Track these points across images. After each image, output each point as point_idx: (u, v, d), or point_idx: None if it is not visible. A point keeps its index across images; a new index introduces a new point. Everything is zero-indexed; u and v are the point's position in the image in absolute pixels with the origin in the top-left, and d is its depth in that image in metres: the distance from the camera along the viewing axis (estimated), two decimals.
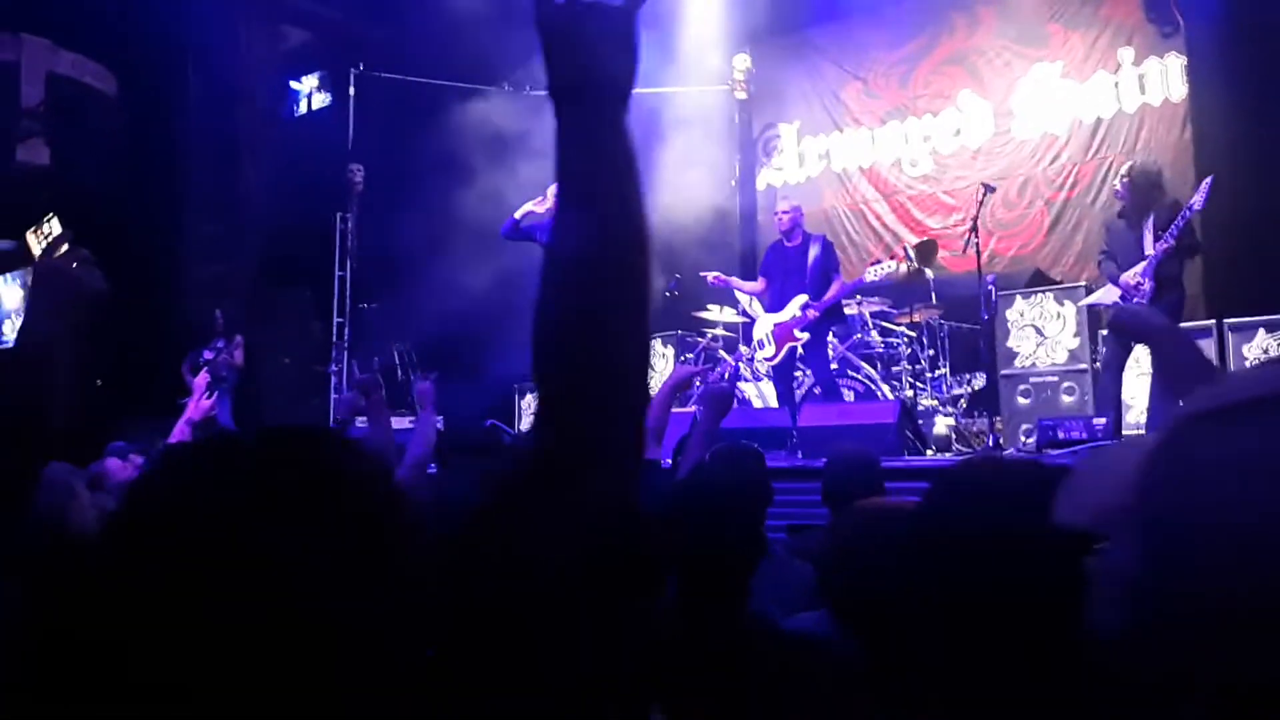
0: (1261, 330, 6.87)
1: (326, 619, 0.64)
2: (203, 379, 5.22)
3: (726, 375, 8.50)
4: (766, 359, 7.29)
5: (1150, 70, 9.06)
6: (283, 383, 10.21)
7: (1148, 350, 5.65)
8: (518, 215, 7.39)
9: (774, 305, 7.27)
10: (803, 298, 7.02)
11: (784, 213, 7.39)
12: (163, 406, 8.88)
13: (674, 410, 4.03)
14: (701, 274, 8.01)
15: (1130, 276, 5.77)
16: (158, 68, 10.21)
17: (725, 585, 2.01)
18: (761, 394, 8.36)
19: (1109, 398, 5.90)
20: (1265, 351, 6.85)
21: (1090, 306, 7.26)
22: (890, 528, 2.25)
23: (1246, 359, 6.81)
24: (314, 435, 0.75)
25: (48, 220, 1.85)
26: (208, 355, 8.98)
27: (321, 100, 11.54)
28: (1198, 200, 5.57)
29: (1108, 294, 5.97)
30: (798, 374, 7.43)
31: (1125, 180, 6.01)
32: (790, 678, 1.83)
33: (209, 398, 5.29)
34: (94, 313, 1.74)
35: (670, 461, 3.62)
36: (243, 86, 10.72)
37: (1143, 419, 7.12)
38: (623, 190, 0.93)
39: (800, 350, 7.03)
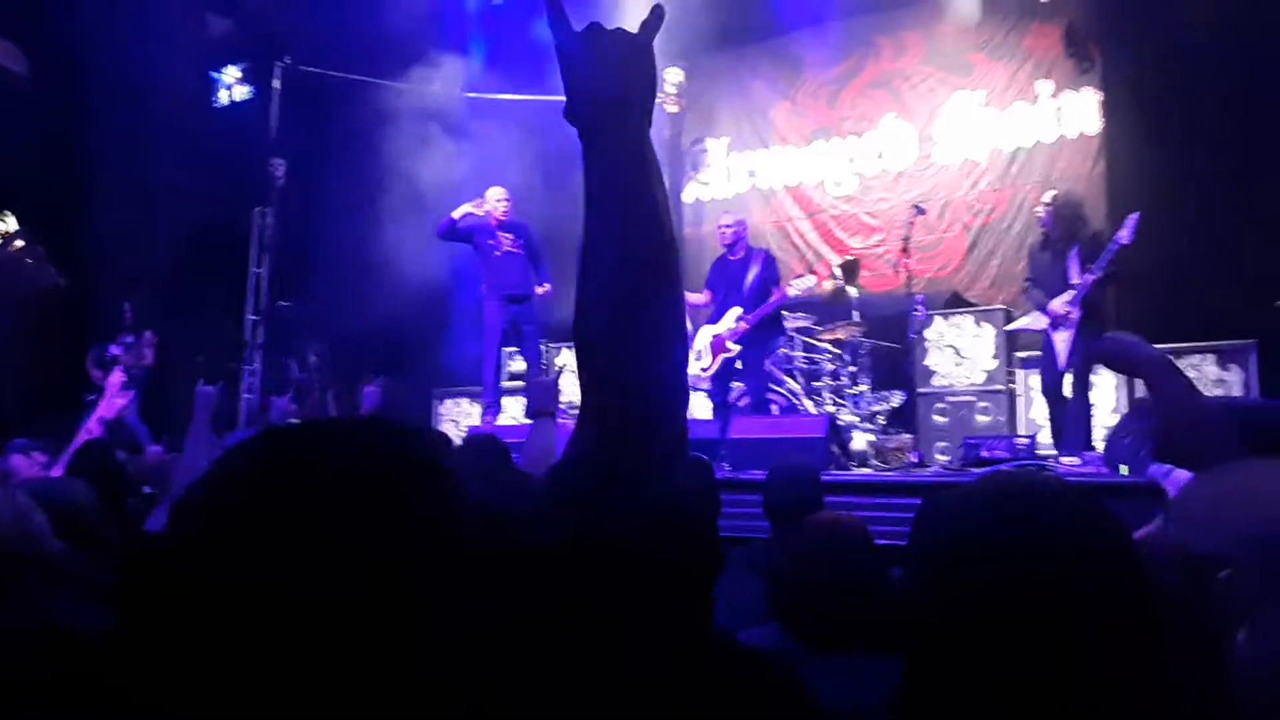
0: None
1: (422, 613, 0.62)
2: (116, 378, 5.03)
3: None
4: (703, 369, 7.34)
5: (1067, 103, 9.39)
6: (193, 380, 9.88)
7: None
8: (455, 215, 7.32)
9: (715, 318, 7.38)
10: (737, 310, 7.15)
11: (727, 227, 7.49)
12: (67, 401, 8.55)
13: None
14: None
15: (1059, 305, 5.93)
16: (73, 50, 9.83)
17: (689, 598, 1.99)
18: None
19: (1055, 420, 6.07)
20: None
21: (1013, 331, 7.47)
22: (845, 543, 2.28)
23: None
24: (383, 425, 0.71)
25: (2, 216, 1.76)
26: (115, 350, 8.65)
27: (243, 92, 11.25)
28: (1124, 235, 5.74)
29: (1035, 321, 6.15)
30: (732, 389, 7.51)
31: (1049, 209, 6.18)
32: (751, 694, 1.82)
33: (121, 396, 5.10)
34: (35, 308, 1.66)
35: None
36: (161, 74, 10.38)
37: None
38: (649, 203, 0.96)
39: (739, 364, 7.15)
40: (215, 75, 11.48)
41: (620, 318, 0.88)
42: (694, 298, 7.65)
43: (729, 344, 7.16)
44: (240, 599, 0.58)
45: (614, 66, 0.97)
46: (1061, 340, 6.03)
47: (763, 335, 7.30)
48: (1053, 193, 6.41)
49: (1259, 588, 0.64)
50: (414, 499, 0.63)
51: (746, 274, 7.27)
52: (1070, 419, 5.86)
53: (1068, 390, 5.97)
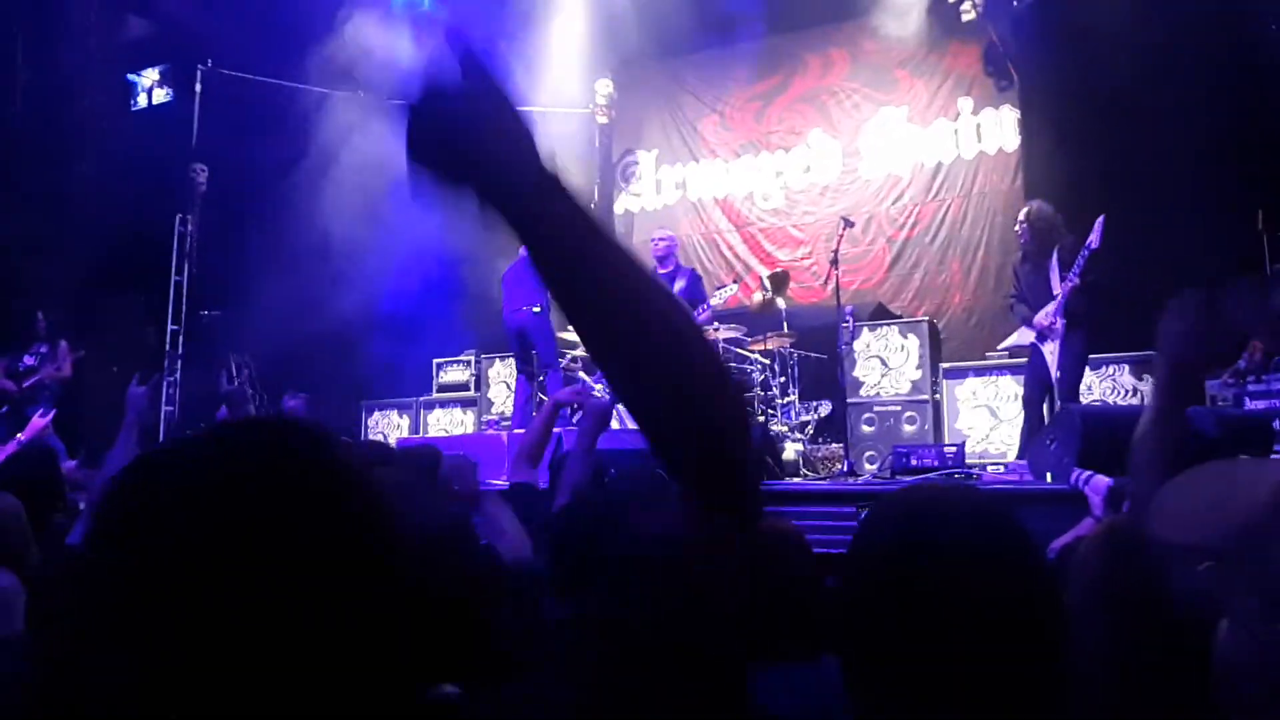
0: (1085, 368, 7.37)
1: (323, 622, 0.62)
2: (37, 423, 4.88)
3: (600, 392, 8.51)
4: None
5: (987, 120, 9.65)
6: (109, 392, 9.59)
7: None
8: None
9: None
10: None
11: (659, 240, 7.58)
12: None
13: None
14: None
15: (1043, 317, 6.01)
16: None
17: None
18: (620, 415, 8.41)
19: (1031, 433, 6.16)
20: (1088, 389, 7.35)
21: (939, 342, 7.59)
22: (785, 551, 2.30)
23: None
24: (297, 429, 0.72)
25: None
26: (29, 361, 8.35)
27: (163, 96, 10.97)
28: (1094, 239, 5.81)
29: (1023, 335, 6.23)
30: None
31: (1024, 224, 6.24)
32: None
33: (42, 416, 4.94)
34: None
35: (549, 483, 3.59)
36: (76, 75, 10.09)
37: (982, 448, 7.54)
38: (603, 276, 0.87)
39: None
40: (134, 78, 11.17)
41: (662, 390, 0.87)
42: None
43: None
44: (140, 610, 0.59)
45: (471, 135, 0.88)
46: (1049, 352, 6.10)
47: None
48: (1026, 208, 6.41)
49: (1237, 578, 0.68)
50: (307, 507, 0.65)
51: (673, 290, 7.37)
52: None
53: (1011, 400, 6.06)
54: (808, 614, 2.10)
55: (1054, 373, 6.05)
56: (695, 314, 7.29)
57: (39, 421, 4.33)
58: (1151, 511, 0.77)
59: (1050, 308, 6.01)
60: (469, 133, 0.85)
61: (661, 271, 7.56)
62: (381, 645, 0.65)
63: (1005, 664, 0.97)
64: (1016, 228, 6.40)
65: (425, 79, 0.87)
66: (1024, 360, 6.66)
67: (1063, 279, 5.94)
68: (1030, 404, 6.32)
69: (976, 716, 0.97)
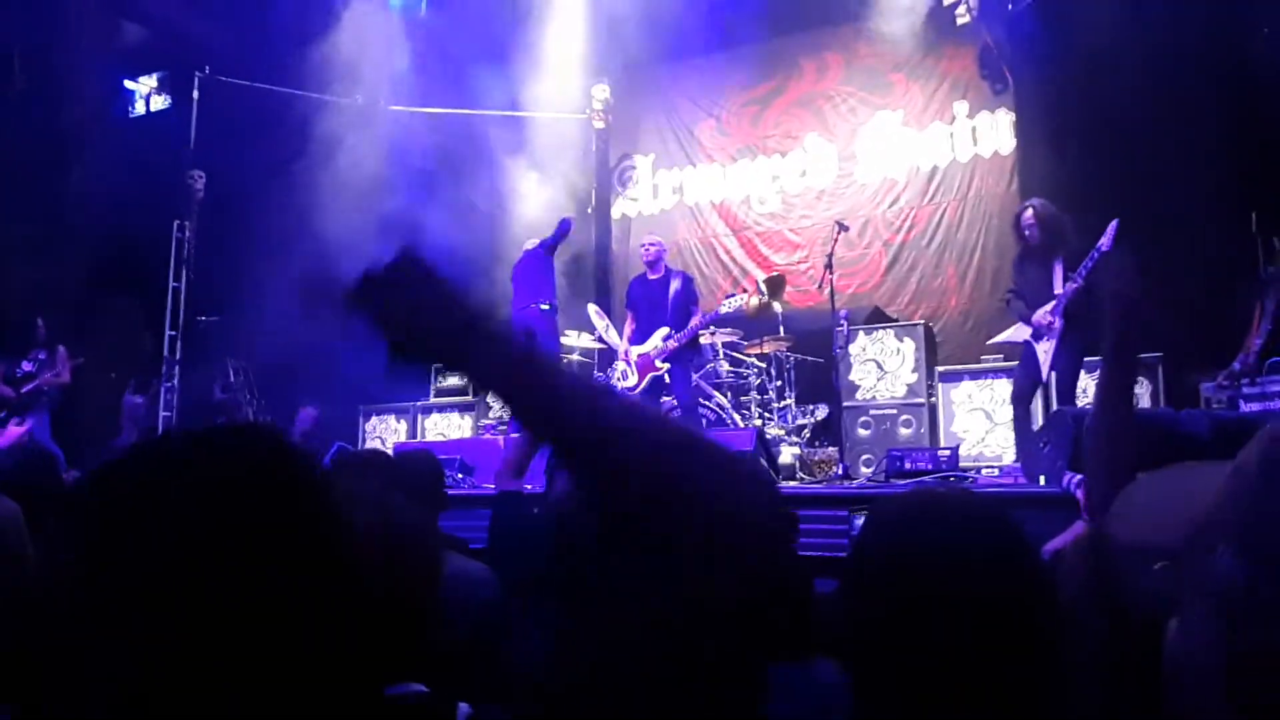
0: (1080, 371, 7.38)
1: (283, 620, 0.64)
2: (13, 431, 4.90)
3: None
4: (629, 388, 7.41)
5: (982, 124, 9.68)
6: (107, 398, 9.61)
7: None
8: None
9: (639, 337, 7.48)
10: (664, 330, 7.28)
11: (650, 245, 7.63)
12: None
13: None
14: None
15: (1041, 315, 5.97)
16: None
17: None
18: None
19: (1020, 430, 6.15)
20: (1083, 391, 7.36)
21: (935, 345, 7.59)
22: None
23: None
24: (258, 435, 0.74)
25: None
26: (27, 367, 8.36)
27: (160, 102, 10.99)
28: (1105, 242, 5.73)
29: (1018, 332, 6.16)
30: (664, 401, 7.58)
31: (1032, 220, 6.15)
32: None
33: (20, 424, 4.96)
34: None
35: (545, 484, 3.60)
36: (73, 81, 10.10)
37: (977, 451, 7.56)
38: (578, 416, 0.92)
39: (666, 379, 7.27)
40: (131, 85, 11.19)
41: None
42: (628, 329, 7.76)
43: (658, 363, 7.28)
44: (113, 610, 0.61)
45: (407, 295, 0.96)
46: (1044, 351, 6.05)
47: (688, 351, 7.46)
48: (1031, 205, 6.30)
49: (1186, 576, 0.70)
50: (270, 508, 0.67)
51: (667, 293, 7.42)
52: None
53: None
54: (798, 616, 2.12)
55: (1045, 371, 6.04)
56: (690, 315, 7.33)
57: (14, 430, 4.35)
58: (1112, 512, 0.79)
59: (1050, 306, 5.96)
60: (403, 308, 0.95)
61: (653, 276, 7.59)
62: (332, 643, 0.67)
63: (1004, 665, 0.98)
64: (1021, 223, 6.27)
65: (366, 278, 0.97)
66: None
67: (1067, 279, 5.90)
68: (1019, 401, 6.30)
69: (976, 717, 0.98)
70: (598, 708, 1.03)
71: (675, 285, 7.46)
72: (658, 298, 7.50)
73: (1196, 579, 0.69)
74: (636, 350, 7.48)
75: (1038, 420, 6.38)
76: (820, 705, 1.96)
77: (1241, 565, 0.64)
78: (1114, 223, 5.84)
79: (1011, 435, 7.20)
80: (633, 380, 7.42)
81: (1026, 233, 6.21)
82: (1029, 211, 6.23)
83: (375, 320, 0.96)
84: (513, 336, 0.96)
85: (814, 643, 2.12)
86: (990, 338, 7.39)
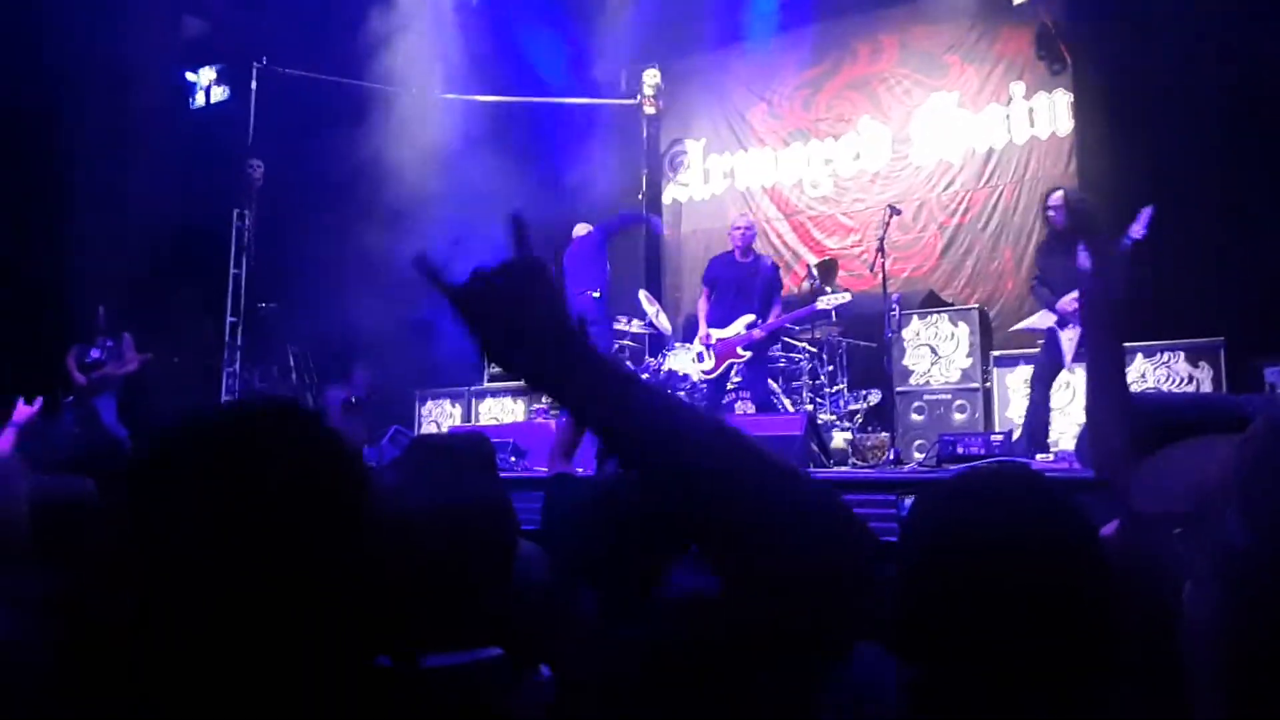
0: (1139, 355, 7.27)
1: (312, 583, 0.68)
2: (24, 411, 5.03)
3: None
4: (705, 372, 7.37)
5: (1039, 105, 9.51)
6: (171, 382, 9.85)
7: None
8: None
9: (719, 320, 7.39)
10: (750, 317, 7.21)
11: (746, 229, 7.58)
12: (37, 403, 8.47)
13: None
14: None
15: (1067, 302, 5.89)
16: (43, 49, 9.77)
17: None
18: None
19: (1033, 412, 6.09)
20: (1141, 377, 7.23)
21: (991, 330, 7.50)
22: None
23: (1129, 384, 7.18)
24: (296, 411, 0.77)
25: None
26: (96, 354, 8.58)
27: (220, 94, 11.20)
28: (1138, 229, 5.66)
29: (1043, 319, 6.10)
30: (730, 389, 7.60)
31: (1060, 205, 6.05)
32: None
33: (29, 404, 5.08)
34: None
35: (595, 466, 3.65)
36: (135, 75, 10.33)
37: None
38: (661, 440, 0.89)
39: (739, 366, 7.26)
40: (191, 77, 11.42)
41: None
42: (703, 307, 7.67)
43: (739, 350, 7.22)
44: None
45: (512, 305, 0.92)
46: (1068, 338, 5.99)
47: (768, 343, 7.43)
48: (1059, 190, 6.23)
49: (1197, 540, 0.71)
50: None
51: (755, 280, 7.35)
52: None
53: (1063, 388, 5.93)
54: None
55: (1068, 358, 5.95)
56: (773, 305, 7.27)
57: (25, 410, 4.51)
58: (1140, 485, 0.81)
59: (1075, 294, 5.85)
60: (504, 306, 0.91)
61: (741, 259, 7.51)
62: (347, 609, 0.70)
63: (1055, 648, 0.99)
64: (1049, 206, 6.20)
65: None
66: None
67: None
68: (1038, 382, 6.23)
69: (1029, 695, 0.99)
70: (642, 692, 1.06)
71: (765, 272, 7.44)
72: (745, 282, 7.39)
73: (1205, 543, 0.70)
74: (718, 334, 7.37)
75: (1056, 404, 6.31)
76: (859, 689, 1.97)
77: (1244, 528, 0.66)
78: (1148, 210, 5.75)
79: (1065, 420, 7.12)
80: (709, 364, 7.35)
81: (1052, 215, 6.13)
82: (1057, 195, 6.17)
83: (475, 319, 0.93)
84: (610, 362, 0.93)
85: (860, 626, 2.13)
86: None
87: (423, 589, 1.27)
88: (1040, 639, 0.99)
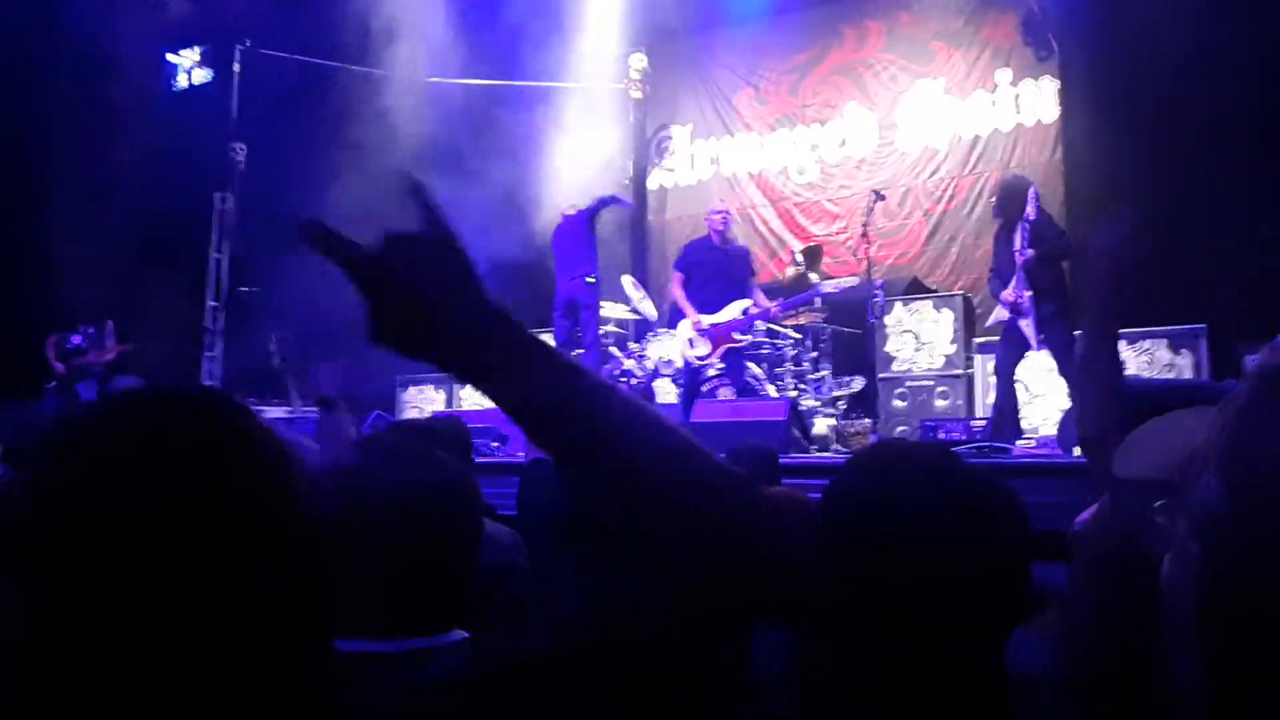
0: (1121, 342, 7.27)
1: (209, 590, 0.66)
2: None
3: (618, 373, 8.55)
4: (700, 358, 7.31)
5: (1025, 91, 9.50)
6: (154, 368, 9.79)
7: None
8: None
9: (704, 305, 7.33)
10: (745, 302, 7.17)
11: (724, 214, 7.54)
12: (17, 389, 8.42)
13: None
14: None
15: (1009, 293, 5.96)
16: (24, 32, 9.66)
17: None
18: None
19: (1000, 399, 6.12)
20: (1123, 364, 7.24)
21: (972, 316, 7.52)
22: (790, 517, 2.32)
23: None
24: (216, 401, 0.75)
25: None
26: (77, 340, 8.54)
27: (203, 76, 11.11)
28: (1030, 210, 5.82)
29: (1000, 312, 6.17)
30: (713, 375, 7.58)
31: (992, 197, 6.21)
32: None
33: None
34: None
35: None
36: (116, 57, 10.23)
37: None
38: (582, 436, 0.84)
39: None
40: (172, 59, 11.31)
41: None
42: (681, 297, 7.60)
43: (735, 335, 7.18)
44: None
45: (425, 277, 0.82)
46: (1026, 325, 6.02)
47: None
48: (1001, 179, 6.40)
49: (1178, 505, 0.71)
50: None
51: (737, 265, 7.34)
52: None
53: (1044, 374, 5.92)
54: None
55: (1033, 340, 5.99)
56: (750, 294, 7.26)
57: None
58: (1120, 453, 0.81)
59: (1014, 282, 5.97)
60: (414, 277, 0.81)
61: (720, 247, 7.45)
62: (265, 605, 0.68)
63: (954, 622, 0.98)
64: (990, 199, 6.38)
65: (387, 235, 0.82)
66: None
67: (1019, 251, 5.91)
68: (1002, 373, 6.26)
69: (931, 660, 0.98)
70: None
71: (744, 256, 7.44)
72: (726, 267, 7.33)
73: (1184, 507, 0.70)
74: (709, 319, 7.29)
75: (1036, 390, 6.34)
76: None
77: (1221, 489, 0.67)
78: (1032, 189, 5.92)
79: (1048, 407, 7.14)
80: (703, 350, 7.26)
81: (994, 211, 6.31)
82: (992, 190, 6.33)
83: (370, 292, 0.81)
84: (546, 353, 0.85)
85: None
86: None
87: (375, 575, 1.25)
88: (955, 605, 0.98)
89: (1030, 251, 5.81)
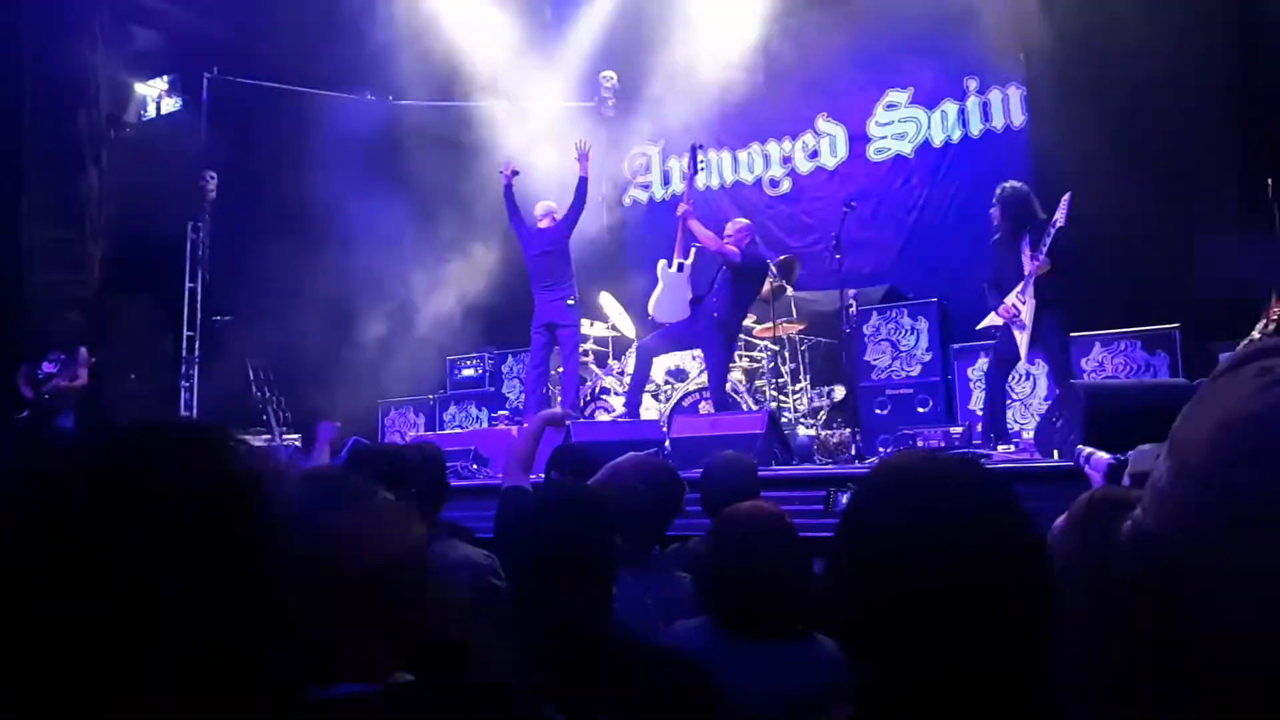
0: (1097, 344, 7.33)
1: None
2: None
3: (597, 389, 8.53)
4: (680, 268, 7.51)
5: (994, 99, 9.57)
6: (128, 398, 9.70)
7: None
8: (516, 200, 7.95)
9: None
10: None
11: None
12: None
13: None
14: None
15: (1011, 300, 5.93)
16: None
17: (585, 596, 1.95)
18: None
19: (989, 406, 6.12)
20: (1100, 365, 7.30)
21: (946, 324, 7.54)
22: (766, 533, 2.30)
23: (1085, 371, 7.26)
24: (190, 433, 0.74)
25: None
26: (48, 368, 8.42)
27: (171, 105, 11.04)
28: (1060, 217, 5.75)
29: (995, 319, 6.13)
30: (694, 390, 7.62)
31: (996, 204, 6.14)
32: (652, 690, 1.82)
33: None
34: None
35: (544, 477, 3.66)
36: (85, 87, 10.16)
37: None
38: None
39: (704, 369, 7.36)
40: (140, 89, 11.22)
41: None
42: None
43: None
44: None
45: None
46: (1020, 337, 6.00)
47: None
48: (1000, 188, 6.29)
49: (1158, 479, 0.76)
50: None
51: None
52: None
53: (1023, 379, 5.91)
54: (792, 594, 2.11)
55: (1023, 353, 5.98)
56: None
57: None
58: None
59: (1020, 288, 5.93)
60: None
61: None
62: (249, 649, 0.66)
63: (993, 639, 0.98)
64: (992, 209, 6.28)
65: None
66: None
67: (1033, 259, 5.87)
68: (992, 379, 6.26)
69: (964, 681, 0.98)
70: None
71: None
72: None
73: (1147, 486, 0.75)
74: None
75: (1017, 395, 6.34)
76: (811, 680, 1.96)
77: (1167, 465, 0.71)
78: (1067, 196, 5.82)
79: (1026, 411, 7.17)
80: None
81: (993, 212, 6.21)
82: (996, 193, 6.23)
83: None
84: None
85: (806, 619, 2.11)
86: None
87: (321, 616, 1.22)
88: (984, 629, 0.97)
89: (1045, 260, 5.77)
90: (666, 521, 2.89)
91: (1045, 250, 5.77)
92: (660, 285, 7.62)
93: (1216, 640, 0.66)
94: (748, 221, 7.76)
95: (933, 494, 1.04)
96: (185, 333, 10.02)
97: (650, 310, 7.69)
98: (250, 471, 0.74)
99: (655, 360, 7.84)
